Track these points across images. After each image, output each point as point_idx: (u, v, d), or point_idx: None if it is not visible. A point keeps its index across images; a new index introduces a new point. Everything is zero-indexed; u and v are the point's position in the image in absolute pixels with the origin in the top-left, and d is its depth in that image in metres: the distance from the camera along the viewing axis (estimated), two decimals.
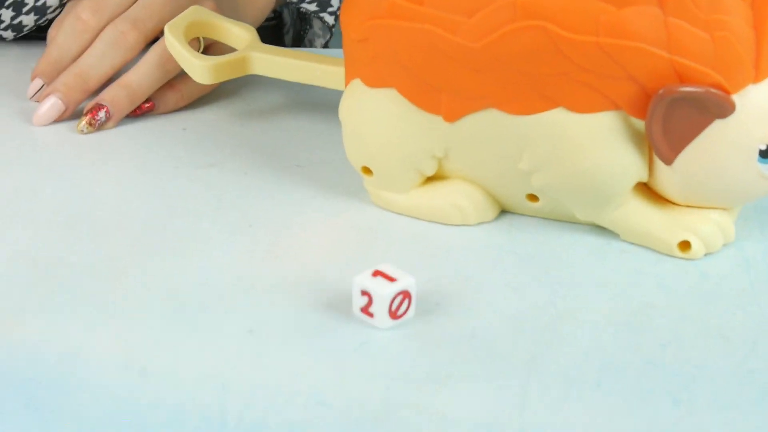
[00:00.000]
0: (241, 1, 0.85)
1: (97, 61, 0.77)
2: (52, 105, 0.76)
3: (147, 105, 0.77)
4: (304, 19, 0.96)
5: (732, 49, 0.58)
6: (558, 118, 0.61)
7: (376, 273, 0.57)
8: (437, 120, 0.63)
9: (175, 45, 0.73)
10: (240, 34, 0.75)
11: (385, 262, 0.60)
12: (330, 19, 0.90)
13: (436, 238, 0.64)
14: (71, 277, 0.61)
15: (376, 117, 0.64)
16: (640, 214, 0.63)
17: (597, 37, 0.59)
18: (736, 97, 0.59)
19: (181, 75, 0.77)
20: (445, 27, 0.61)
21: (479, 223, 0.66)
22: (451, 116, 0.63)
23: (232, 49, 0.75)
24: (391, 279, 0.57)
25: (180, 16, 0.74)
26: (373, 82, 0.64)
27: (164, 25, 0.75)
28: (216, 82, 0.73)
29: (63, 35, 0.77)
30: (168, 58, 0.76)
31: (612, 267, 0.62)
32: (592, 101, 0.60)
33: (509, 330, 0.57)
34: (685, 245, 0.63)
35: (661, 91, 0.59)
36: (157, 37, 0.78)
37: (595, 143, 0.61)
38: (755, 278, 0.61)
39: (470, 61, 0.61)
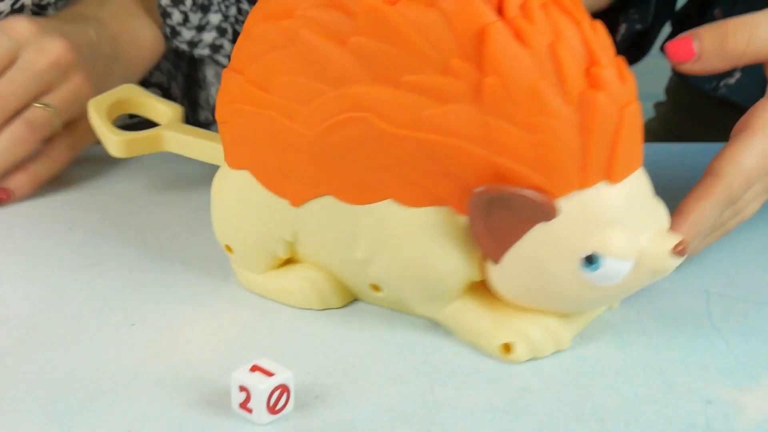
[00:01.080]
0: (124, 63, 0.87)
1: None
2: None
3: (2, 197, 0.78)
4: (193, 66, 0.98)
5: (553, 153, 0.57)
6: (387, 210, 0.61)
7: (254, 368, 0.57)
8: (285, 204, 0.65)
9: (94, 119, 0.76)
10: (164, 111, 0.78)
11: (266, 356, 0.60)
12: (225, 62, 0.93)
13: (318, 331, 0.65)
14: None
15: (235, 197, 0.66)
16: (470, 312, 0.63)
17: (417, 132, 0.59)
18: (561, 202, 0.58)
19: (31, 158, 0.79)
20: (285, 114, 0.62)
21: (325, 308, 0.67)
22: (296, 200, 0.64)
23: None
24: (269, 373, 0.57)
25: (108, 92, 0.78)
26: (233, 163, 0.66)
27: (25, 103, 0.78)
28: (130, 156, 0.75)
29: None
30: (17, 141, 0.77)
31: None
32: (419, 195, 0.60)
33: (388, 420, 0.58)
34: (508, 347, 0.62)
35: (477, 190, 0.58)
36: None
37: (422, 238, 0.61)
38: (629, 359, 0.62)
39: (306, 149, 0.62)
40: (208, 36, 0.92)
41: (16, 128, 0.78)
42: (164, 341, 0.64)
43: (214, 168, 0.70)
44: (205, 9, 0.92)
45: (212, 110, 1.00)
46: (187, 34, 0.92)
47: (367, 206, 0.62)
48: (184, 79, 1.00)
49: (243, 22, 0.95)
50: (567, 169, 0.58)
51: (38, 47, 0.80)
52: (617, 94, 0.58)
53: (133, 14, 0.90)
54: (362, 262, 0.63)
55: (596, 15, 0.86)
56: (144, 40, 0.90)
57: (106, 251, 0.73)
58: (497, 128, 0.58)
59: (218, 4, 0.92)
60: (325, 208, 0.63)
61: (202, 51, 0.92)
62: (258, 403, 0.57)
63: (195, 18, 0.91)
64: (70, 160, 0.83)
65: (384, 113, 0.59)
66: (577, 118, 0.57)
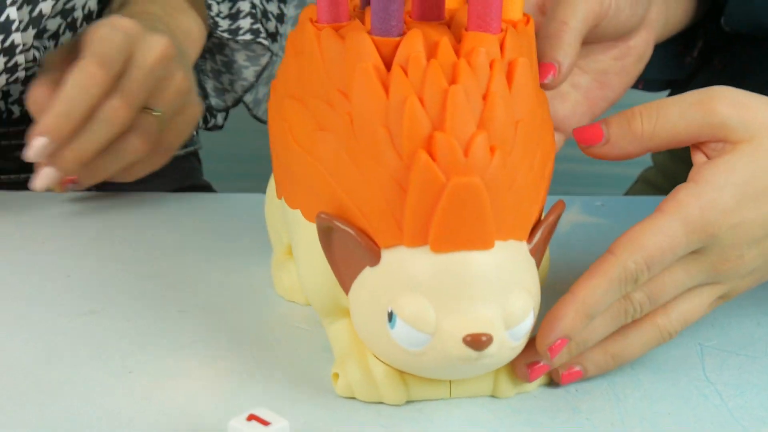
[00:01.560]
0: (183, 41, 0.90)
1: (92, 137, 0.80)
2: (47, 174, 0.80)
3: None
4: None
5: (377, 200, 0.58)
6: (299, 218, 0.64)
7: (251, 417, 0.58)
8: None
9: None
10: None
11: (262, 405, 0.60)
12: (266, 43, 0.95)
13: (313, 380, 0.65)
14: None
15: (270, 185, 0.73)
16: (340, 336, 0.64)
17: (305, 150, 0.62)
18: (385, 252, 0.59)
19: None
20: (272, 111, 0.68)
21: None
22: (277, 193, 0.68)
23: None
24: (265, 423, 0.57)
25: None
26: None
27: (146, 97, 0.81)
28: None
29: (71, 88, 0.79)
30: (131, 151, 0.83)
31: (481, 402, 0.63)
32: (310, 212, 0.62)
33: None
34: (336, 377, 0.64)
35: (318, 216, 0.60)
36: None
37: (308, 251, 0.63)
38: (624, 412, 0.63)
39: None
40: (244, 22, 0.94)
41: (131, 140, 0.80)
42: (161, 389, 0.64)
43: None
44: None
45: (243, 92, 1.01)
46: (224, 23, 0.94)
47: (293, 211, 0.64)
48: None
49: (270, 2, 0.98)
50: (387, 220, 0.58)
51: (146, 44, 0.82)
52: (451, 164, 0.57)
53: (180, 9, 0.92)
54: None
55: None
56: (193, 34, 0.91)
57: (103, 299, 0.73)
58: (345, 162, 0.59)
59: None
60: (284, 206, 0.66)
61: (244, 37, 0.95)
62: None
63: (225, 8, 0.94)
64: (168, 160, 0.86)
65: (293, 126, 0.63)
66: (403, 175, 0.58)
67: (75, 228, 0.83)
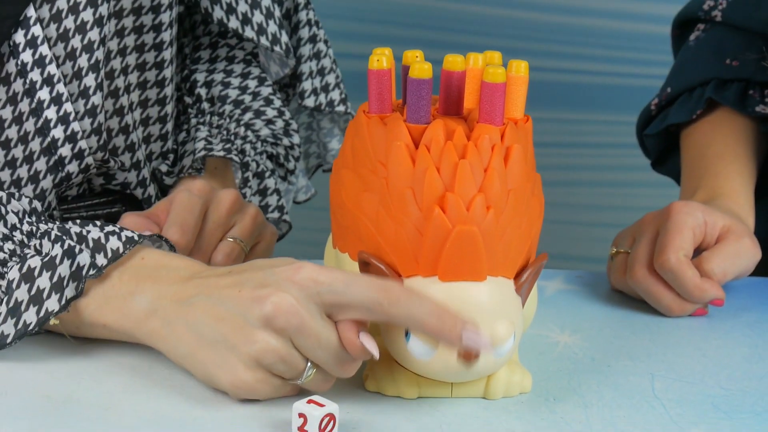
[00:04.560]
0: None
1: None
2: None
3: None
4: None
5: (403, 242, 0.78)
6: (346, 260, 0.84)
7: (310, 401, 0.77)
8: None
9: None
10: None
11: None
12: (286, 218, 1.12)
13: (354, 381, 0.84)
14: None
15: None
16: None
17: (354, 208, 0.81)
18: (405, 280, 0.79)
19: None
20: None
21: None
22: (333, 244, 0.87)
23: None
24: (321, 405, 0.77)
25: None
26: None
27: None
28: None
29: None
30: None
31: (476, 401, 0.82)
32: (354, 253, 0.82)
33: None
34: (366, 377, 0.83)
35: (359, 253, 0.80)
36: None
37: None
38: (590, 414, 0.82)
39: None
40: (271, 199, 1.11)
41: (219, 261, 0.96)
42: None
43: None
44: (260, 175, 1.12)
45: None
46: (254, 200, 1.11)
47: (343, 254, 0.84)
48: None
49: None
50: (409, 257, 0.79)
51: (217, 198, 0.98)
52: (456, 217, 0.77)
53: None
54: None
55: None
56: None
57: None
58: (382, 215, 0.80)
59: (271, 171, 1.12)
60: (338, 253, 0.85)
61: (273, 215, 1.11)
62: (312, 426, 0.76)
63: (254, 184, 1.11)
64: None
65: (346, 188, 0.82)
66: (422, 224, 0.78)
67: None
